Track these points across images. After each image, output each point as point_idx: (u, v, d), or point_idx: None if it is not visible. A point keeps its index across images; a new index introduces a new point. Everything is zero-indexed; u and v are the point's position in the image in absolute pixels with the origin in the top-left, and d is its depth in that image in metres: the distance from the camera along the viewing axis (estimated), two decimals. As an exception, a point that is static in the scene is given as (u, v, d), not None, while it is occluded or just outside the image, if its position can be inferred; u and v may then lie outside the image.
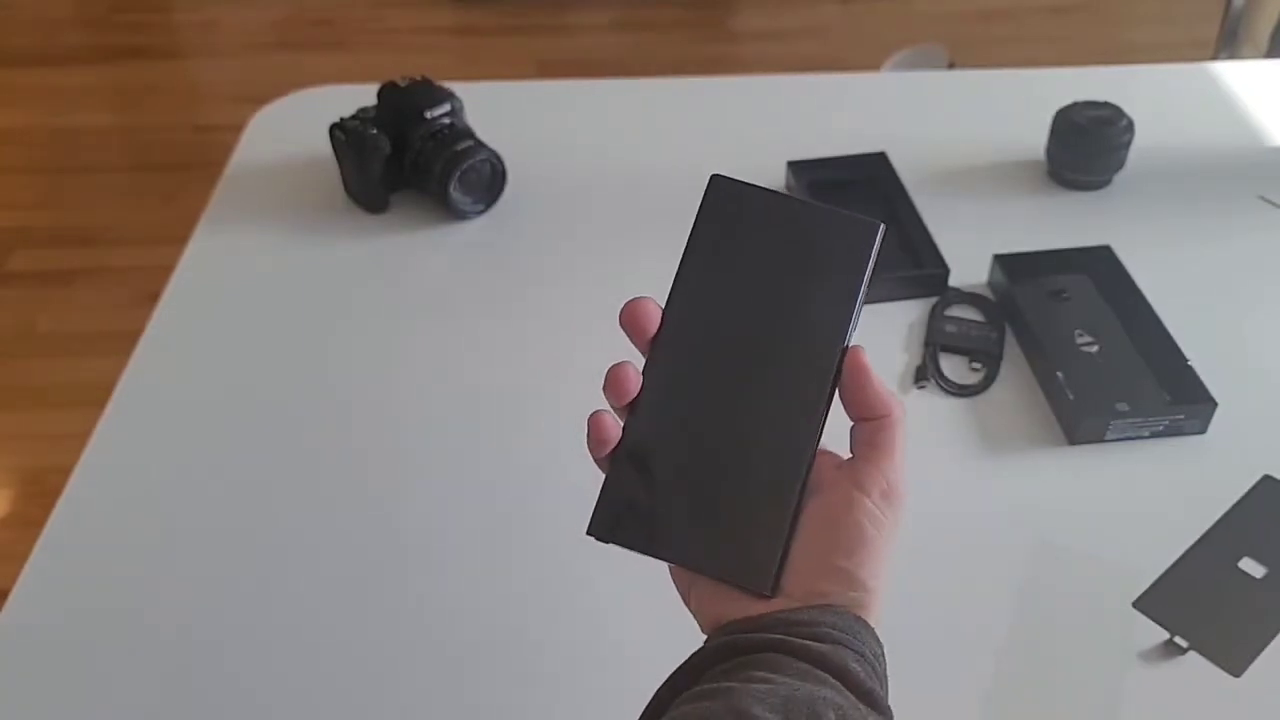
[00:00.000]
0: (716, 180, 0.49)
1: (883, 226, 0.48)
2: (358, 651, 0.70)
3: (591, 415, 0.46)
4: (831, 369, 0.46)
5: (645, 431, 0.46)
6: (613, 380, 0.46)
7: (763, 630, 0.42)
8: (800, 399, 0.46)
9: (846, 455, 0.47)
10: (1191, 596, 0.70)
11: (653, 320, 0.47)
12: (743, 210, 0.49)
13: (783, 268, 0.47)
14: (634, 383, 0.46)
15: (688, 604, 0.47)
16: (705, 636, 0.45)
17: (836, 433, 0.47)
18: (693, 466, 0.46)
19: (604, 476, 0.46)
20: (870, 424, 0.46)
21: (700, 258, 0.48)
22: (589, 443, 0.46)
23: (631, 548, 0.45)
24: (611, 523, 0.46)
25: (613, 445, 0.46)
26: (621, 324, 0.47)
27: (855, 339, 0.47)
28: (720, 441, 0.46)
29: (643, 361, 0.47)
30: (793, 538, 0.45)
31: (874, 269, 0.47)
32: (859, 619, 0.43)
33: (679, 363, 0.47)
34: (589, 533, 0.46)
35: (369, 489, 0.80)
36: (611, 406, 0.47)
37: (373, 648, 0.70)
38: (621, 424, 0.46)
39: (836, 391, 0.46)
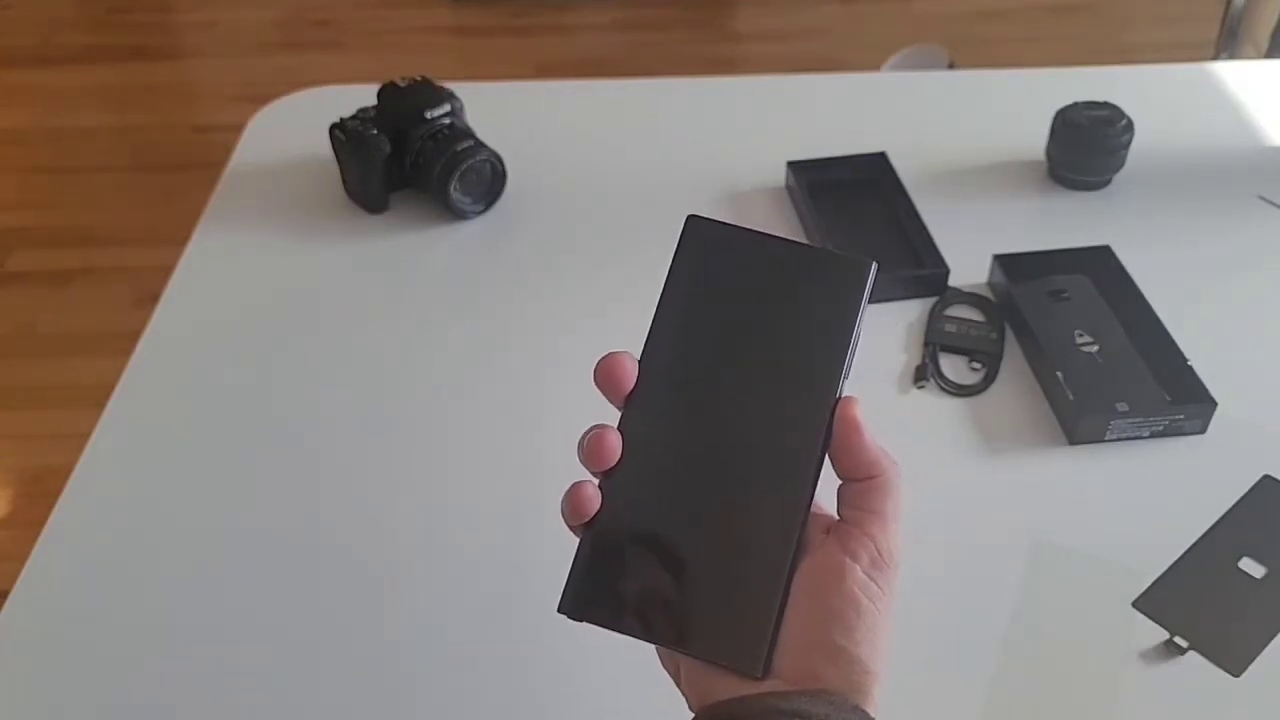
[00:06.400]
0: (693, 221, 0.46)
1: (875, 265, 0.44)
2: (358, 650, 0.70)
3: (572, 486, 0.42)
4: (823, 426, 0.42)
5: (621, 498, 0.42)
6: (593, 447, 0.42)
7: (750, 718, 0.39)
8: (789, 461, 0.42)
9: (835, 514, 0.43)
10: (1191, 596, 0.70)
11: (630, 376, 0.43)
12: (722, 252, 0.45)
13: (767, 314, 0.44)
14: (615, 450, 0.43)
15: (678, 684, 0.44)
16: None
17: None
18: (674, 537, 0.42)
19: (576, 546, 0.43)
20: (859, 485, 0.42)
21: (677, 306, 0.44)
22: (565, 513, 0.43)
23: (608, 627, 0.42)
24: (585, 599, 0.42)
25: (589, 515, 0.42)
26: (597, 382, 0.43)
27: (848, 388, 0.44)
28: (704, 509, 0.42)
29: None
30: (784, 612, 0.41)
31: (866, 311, 0.44)
32: (857, 709, 0.39)
33: (657, 422, 0.43)
34: (560, 610, 0.42)
35: (369, 488, 0.80)
36: (590, 471, 0.43)
37: (372, 645, 0.70)
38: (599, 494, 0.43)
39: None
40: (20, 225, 2.32)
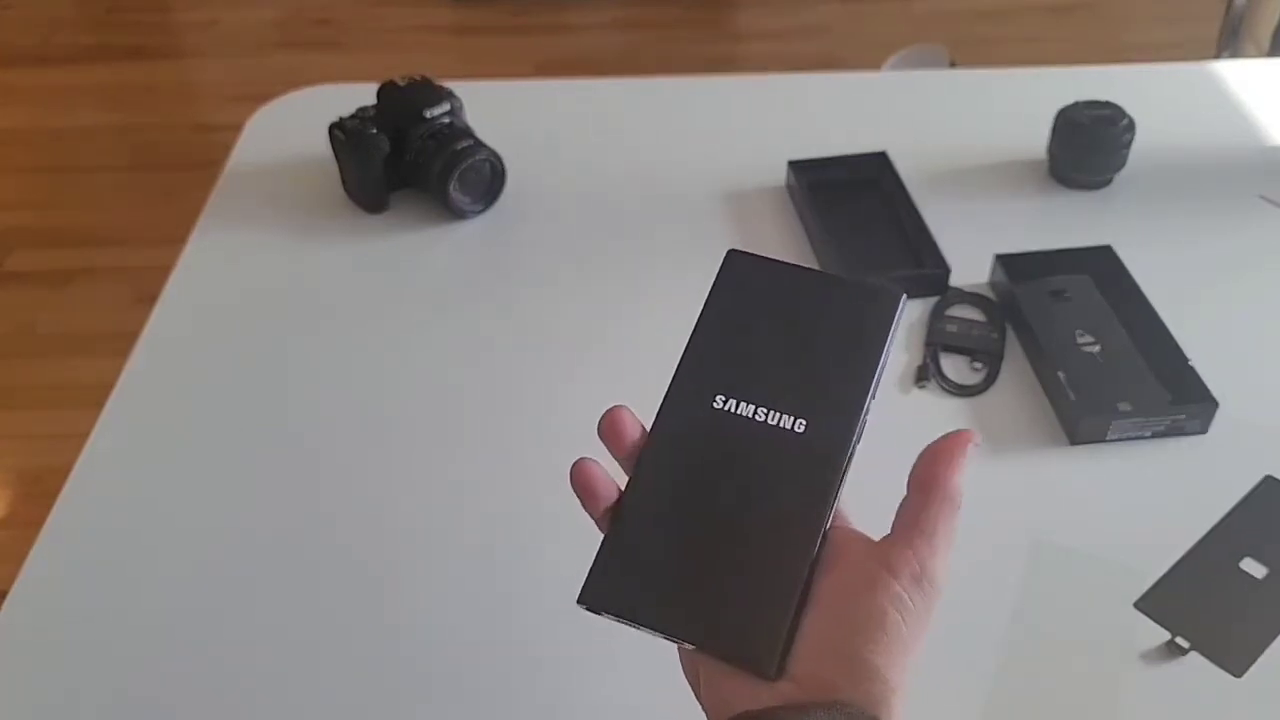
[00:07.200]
0: (732, 255, 0.48)
1: (904, 295, 0.47)
2: (358, 650, 0.70)
3: (575, 464, 0.43)
4: (849, 439, 0.44)
5: (646, 496, 0.44)
6: (610, 425, 0.44)
7: None
8: (814, 469, 0.43)
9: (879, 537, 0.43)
10: (1193, 597, 0.70)
11: (630, 430, 0.44)
12: (759, 283, 0.48)
13: (798, 338, 0.46)
14: (632, 428, 0.44)
15: (697, 696, 0.43)
16: None
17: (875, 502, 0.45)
18: (696, 535, 0.43)
19: (600, 540, 0.44)
20: (917, 499, 0.42)
21: (713, 328, 0.47)
22: (578, 494, 0.44)
23: (625, 619, 0.43)
24: (604, 593, 0.43)
25: (603, 499, 0.43)
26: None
27: (874, 407, 0.45)
28: (727, 511, 0.43)
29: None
30: (802, 615, 0.41)
31: (894, 338, 0.46)
32: None
33: (686, 427, 0.45)
34: (579, 601, 0.43)
35: (367, 488, 0.80)
36: (614, 456, 0.45)
37: (372, 645, 0.70)
38: (609, 475, 0.44)
39: (852, 465, 0.44)
40: (20, 225, 2.32)
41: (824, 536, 0.43)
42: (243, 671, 0.69)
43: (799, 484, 0.43)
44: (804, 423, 0.44)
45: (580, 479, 0.43)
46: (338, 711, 0.67)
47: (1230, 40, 1.89)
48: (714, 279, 0.48)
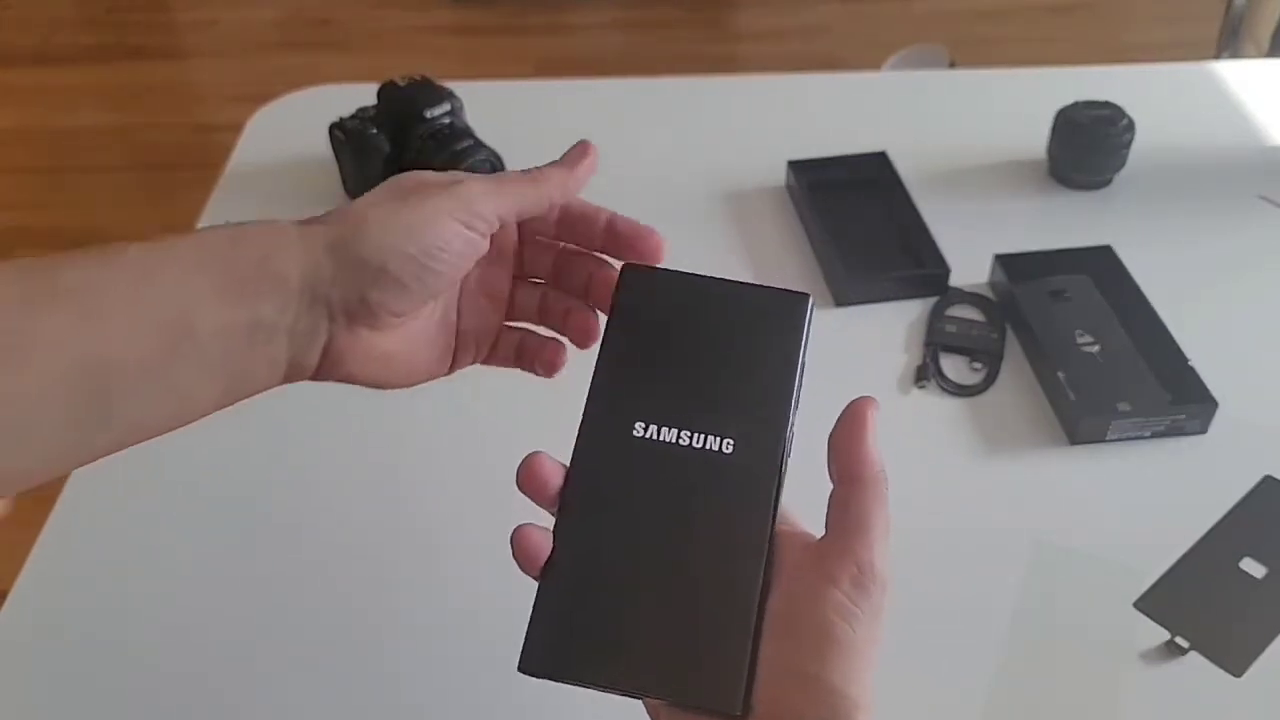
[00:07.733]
0: (629, 270, 0.46)
1: (811, 299, 0.45)
2: (361, 649, 0.70)
3: (516, 531, 0.41)
4: (778, 458, 0.42)
5: (577, 545, 0.41)
6: (528, 474, 0.42)
7: None
8: (746, 494, 0.41)
9: (815, 531, 0.42)
10: (1192, 597, 0.70)
11: (552, 476, 0.42)
12: (662, 298, 0.46)
13: (711, 354, 0.44)
14: (553, 473, 0.42)
15: None
16: None
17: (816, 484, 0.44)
18: (636, 581, 0.41)
19: (534, 598, 0.41)
20: (845, 489, 0.41)
21: (620, 350, 0.45)
22: (518, 561, 0.41)
23: (575, 681, 0.40)
24: (547, 654, 0.40)
25: (544, 561, 0.41)
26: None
27: (799, 420, 0.43)
28: (663, 550, 0.41)
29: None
30: (759, 645, 0.39)
31: (808, 344, 0.44)
32: None
33: (608, 465, 0.43)
34: (520, 668, 0.40)
35: (367, 487, 0.80)
36: (541, 506, 0.43)
37: (374, 643, 0.70)
38: (550, 531, 0.42)
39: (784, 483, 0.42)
40: (20, 225, 2.32)
41: (768, 559, 0.41)
42: (244, 670, 0.69)
43: (735, 509, 0.41)
44: (731, 443, 0.42)
45: (521, 544, 0.41)
46: (340, 709, 0.67)
47: (1230, 40, 1.89)
48: (613, 298, 0.46)
